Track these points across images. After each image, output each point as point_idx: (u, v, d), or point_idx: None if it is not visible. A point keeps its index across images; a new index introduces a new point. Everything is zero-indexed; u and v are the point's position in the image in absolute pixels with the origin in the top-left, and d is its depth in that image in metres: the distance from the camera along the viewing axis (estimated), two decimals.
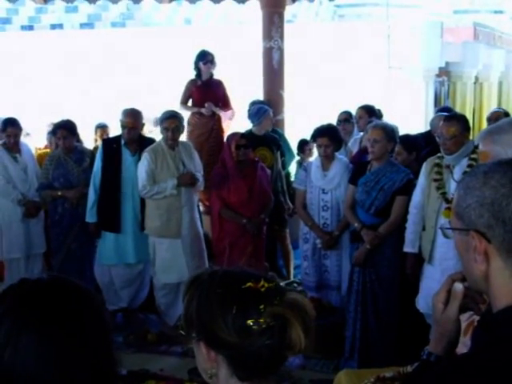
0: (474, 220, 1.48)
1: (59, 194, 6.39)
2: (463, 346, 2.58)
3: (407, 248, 5.17)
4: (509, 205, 1.44)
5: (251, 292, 1.60)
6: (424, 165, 5.08)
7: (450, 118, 5.04)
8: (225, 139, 7.97)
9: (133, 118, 6.20)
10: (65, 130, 6.44)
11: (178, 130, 6.12)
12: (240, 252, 5.87)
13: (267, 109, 7.36)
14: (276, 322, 1.56)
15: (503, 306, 1.46)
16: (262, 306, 1.57)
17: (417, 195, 5.12)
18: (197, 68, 7.92)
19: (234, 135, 6.22)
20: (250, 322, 1.56)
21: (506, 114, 7.44)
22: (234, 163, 6.04)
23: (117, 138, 6.43)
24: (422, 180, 5.07)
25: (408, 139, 6.09)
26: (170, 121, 6.05)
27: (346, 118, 7.47)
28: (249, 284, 1.61)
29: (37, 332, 1.31)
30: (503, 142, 3.03)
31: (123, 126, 6.21)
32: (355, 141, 7.15)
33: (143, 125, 6.38)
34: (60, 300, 1.36)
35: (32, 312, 1.34)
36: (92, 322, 1.37)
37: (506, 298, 1.47)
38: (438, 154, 4.99)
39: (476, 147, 5.07)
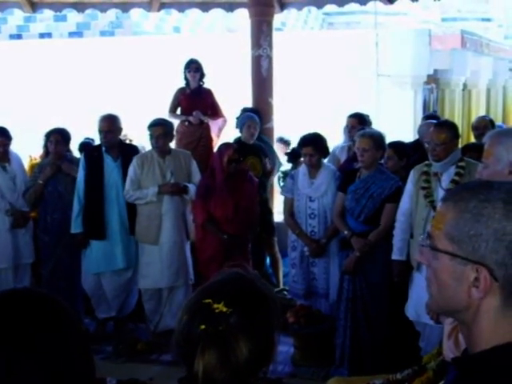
0: (483, 253, 1.33)
1: (40, 182, 6.36)
2: (448, 350, 2.59)
3: (395, 256, 5.18)
4: None
5: (205, 308, 1.64)
6: (412, 172, 5.09)
7: (441, 124, 5.06)
8: (214, 148, 8.00)
9: (107, 122, 6.23)
10: (59, 135, 6.46)
11: (163, 137, 6.15)
12: (223, 264, 5.74)
13: (248, 116, 7.33)
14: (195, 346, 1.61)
15: (490, 345, 1.35)
16: (203, 326, 1.60)
17: (404, 203, 5.12)
18: (184, 76, 7.92)
19: (226, 147, 6.08)
20: (192, 334, 1.63)
21: (492, 123, 7.46)
22: (223, 177, 5.95)
23: (97, 147, 6.47)
24: (409, 187, 5.08)
25: (400, 145, 6.12)
26: (154, 128, 6.16)
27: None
28: (208, 301, 1.64)
29: None
30: (508, 145, 3.05)
31: (100, 131, 6.25)
32: (342, 148, 7.12)
33: (120, 129, 6.37)
34: (21, 314, 1.30)
35: None
36: (56, 335, 1.32)
37: (495, 338, 1.35)
38: (426, 162, 5.00)
39: (465, 152, 5.12)
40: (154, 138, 6.16)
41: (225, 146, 6.16)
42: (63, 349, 1.32)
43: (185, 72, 7.85)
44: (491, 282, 1.34)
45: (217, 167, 6.00)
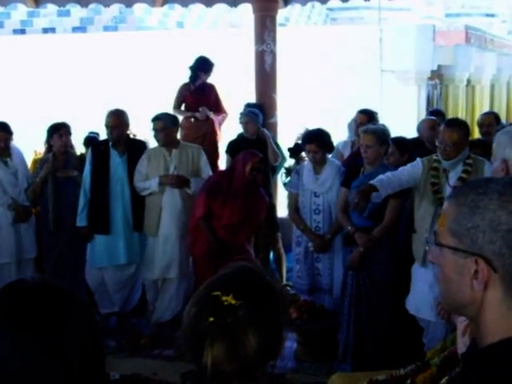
0: (481, 244, 1.35)
1: (37, 180, 6.38)
2: (463, 346, 2.60)
3: (373, 182, 4.86)
4: None
5: (213, 301, 1.64)
6: (422, 160, 4.95)
7: (454, 124, 4.94)
8: (219, 143, 8.01)
9: (114, 117, 6.26)
10: (67, 129, 6.52)
11: (164, 130, 6.18)
12: (213, 265, 5.56)
13: (243, 113, 7.32)
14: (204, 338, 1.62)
15: (496, 339, 1.36)
16: (211, 318, 1.61)
17: (404, 174, 4.95)
18: (195, 74, 7.92)
19: (252, 155, 5.91)
20: (200, 326, 1.63)
21: (497, 118, 7.43)
22: (242, 184, 5.84)
23: (105, 141, 6.50)
24: (418, 168, 4.91)
25: (402, 141, 6.07)
26: (155, 122, 6.24)
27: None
28: (217, 293, 1.65)
29: (11, 334, 1.33)
30: (500, 142, 3.23)
31: (106, 126, 6.29)
32: (346, 143, 7.10)
33: (127, 125, 6.39)
34: (40, 303, 1.37)
35: (9, 314, 1.35)
36: (75, 325, 1.38)
37: (501, 331, 1.36)
38: (435, 157, 4.93)
39: (470, 148, 5.10)
40: (155, 131, 6.24)
41: (250, 153, 5.96)
42: (81, 339, 1.38)
43: (197, 71, 7.85)
44: (489, 273, 1.35)
45: (237, 172, 5.89)
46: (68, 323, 1.36)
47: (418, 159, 5.00)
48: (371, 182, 4.89)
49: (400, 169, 5.04)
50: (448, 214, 1.43)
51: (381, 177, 4.92)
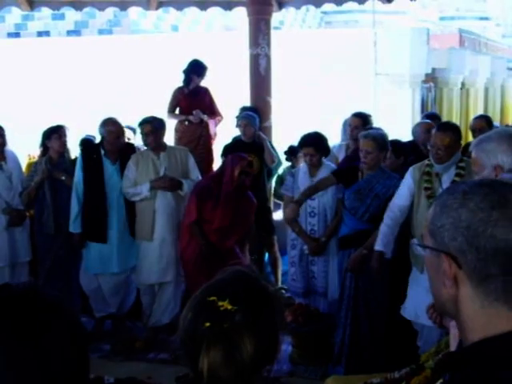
0: (447, 242, 1.39)
1: (32, 184, 6.36)
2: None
3: (379, 246, 5.01)
4: (485, 231, 1.33)
5: (209, 306, 1.64)
6: (412, 170, 4.99)
7: (445, 127, 4.94)
8: (213, 147, 8.01)
9: (117, 126, 6.24)
10: (66, 130, 6.50)
11: (154, 133, 6.16)
12: (205, 270, 5.62)
13: (240, 116, 7.32)
14: (200, 343, 1.61)
15: (477, 338, 1.37)
16: (207, 324, 1.61)
17: (405, 199, 5.00)
18: (188, 77, 7.92)
19: (240, 159, 5.89)
20: (197, 331, 1.63)
21: (489, 122, 7.40)
22: (231, 188, 5.82)
23: (96, 148, 6.42)
24: (410, 185, 4.98)
25: (397, 144, 6.08)
26: (143, 126, 6.21)
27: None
28: (212, 298, 1.65)
29: None
30: (488, 150, 3.21)
31: (113, 136, 6.20)
32: (340, 147, 7.09)
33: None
34: (24, 311, 1.37)
35: None
36: (58, 334, 1.37)
37: (479, 330, 1.37)
38: (427, 162, 4.94)
39: (464, 151, 5.11)
40: (143, 135, 6.21)
41: (239, 157, 5.92)
42: (64, 348, 1.37)
43: (190, 74, 7.85)
44: (455, 270, 1.38)
45: (226, 176, 5.86)
46: (51, 332, 1.36)
47: (408, 172, 5.05)
48: (376, 247, 5.03)
49: (397, 197, 5.06)
50: (428, 216, 1.48)
51: (383, 229, 5.02)
